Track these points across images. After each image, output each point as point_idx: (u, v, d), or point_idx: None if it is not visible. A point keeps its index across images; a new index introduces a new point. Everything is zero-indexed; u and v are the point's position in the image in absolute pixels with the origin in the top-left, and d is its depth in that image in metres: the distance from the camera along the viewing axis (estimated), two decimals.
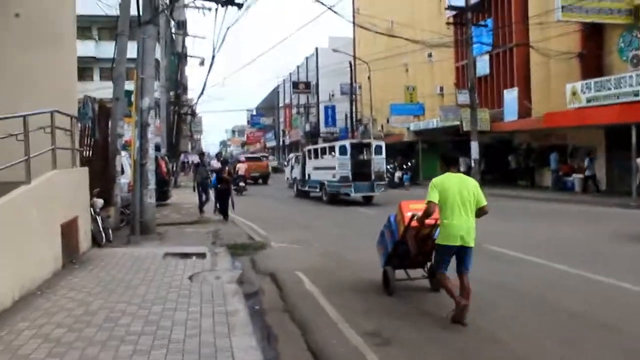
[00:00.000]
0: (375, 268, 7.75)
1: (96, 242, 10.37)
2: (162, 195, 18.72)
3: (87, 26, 42.59)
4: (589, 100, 21.24)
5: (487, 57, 29.40)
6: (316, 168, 23.58)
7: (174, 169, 33.77)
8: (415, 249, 6.73)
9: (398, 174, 32.12)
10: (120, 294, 6.60)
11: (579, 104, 21.67)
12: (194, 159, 59.72)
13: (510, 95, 26.80)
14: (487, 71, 29.64)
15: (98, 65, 40.81)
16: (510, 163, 29.47)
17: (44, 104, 8.11)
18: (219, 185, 15.68)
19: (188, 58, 42.22)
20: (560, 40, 23.36)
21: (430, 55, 35.19)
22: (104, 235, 10.70)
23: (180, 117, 39.11)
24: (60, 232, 7.97)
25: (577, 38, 23.63)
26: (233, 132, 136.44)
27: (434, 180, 5.95)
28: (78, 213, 9.06)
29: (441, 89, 35.61)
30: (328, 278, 8.15)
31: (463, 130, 26.88)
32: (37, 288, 6.73)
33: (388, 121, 40.70)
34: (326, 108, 57.32)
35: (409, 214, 6.53)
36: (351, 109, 47.08)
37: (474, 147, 23.86)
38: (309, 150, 25.37)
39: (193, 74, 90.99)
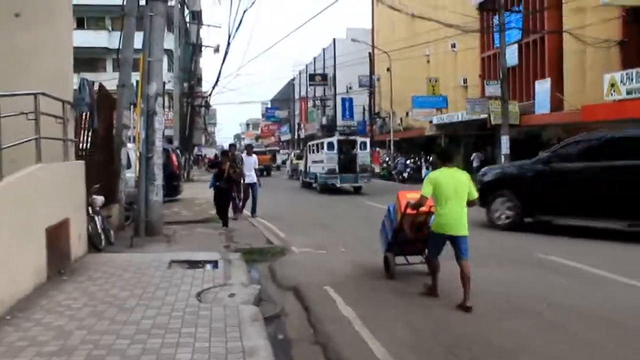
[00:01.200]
0: (417, 283, 7.18)
1: (94, 245, 9.12)
2: (173, 190, 17.87)
3: (100, 16, 41.69)
4: (629, 92, 19.62)
5: (515, 47, 27.74)
6: (314, 162, 25.71)
7: (187, 162, 32.79)
8: (411, 235, 7.28)
9: (425, 170, 30.71)
10: (110, 320, 5.28)
11: (618, 96, 20.08)
12: (207, 152, 58.64)
13: (542, 87, 25.11)
14: (516, 62, 27.85)
15: (111, 56, 39.85)
16: None
17: (35, 87, 6.87)
18: (217, 184, 12.85)
19: (203, 49, 40.97)
20: (598, 27, 21.74)
21: (453, 45, 33.60)
22: (103, 237, 9.43)
23: (193, 109, 38.04)
24: (45, 237, 6.68)
25: (617, 25, 21.91)
26: (247, 125, 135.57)
27: (430, 174, 6.56)
28: (70, 214, 7.76)
29: (465, 80, 34.04)
30: (363, 296, 6.81)
31: (491, 124, 25.37)
32: (9, 310, 5.43)
33: (407, 114, 39.15)
34: (343, 100, 55.81)
35: (405, 203, 7.00)
36: (370, 102, 45.63)
37: (505, 141, 22.27)
38: (309, 146, 27.60)
39: (207, 66, 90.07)
